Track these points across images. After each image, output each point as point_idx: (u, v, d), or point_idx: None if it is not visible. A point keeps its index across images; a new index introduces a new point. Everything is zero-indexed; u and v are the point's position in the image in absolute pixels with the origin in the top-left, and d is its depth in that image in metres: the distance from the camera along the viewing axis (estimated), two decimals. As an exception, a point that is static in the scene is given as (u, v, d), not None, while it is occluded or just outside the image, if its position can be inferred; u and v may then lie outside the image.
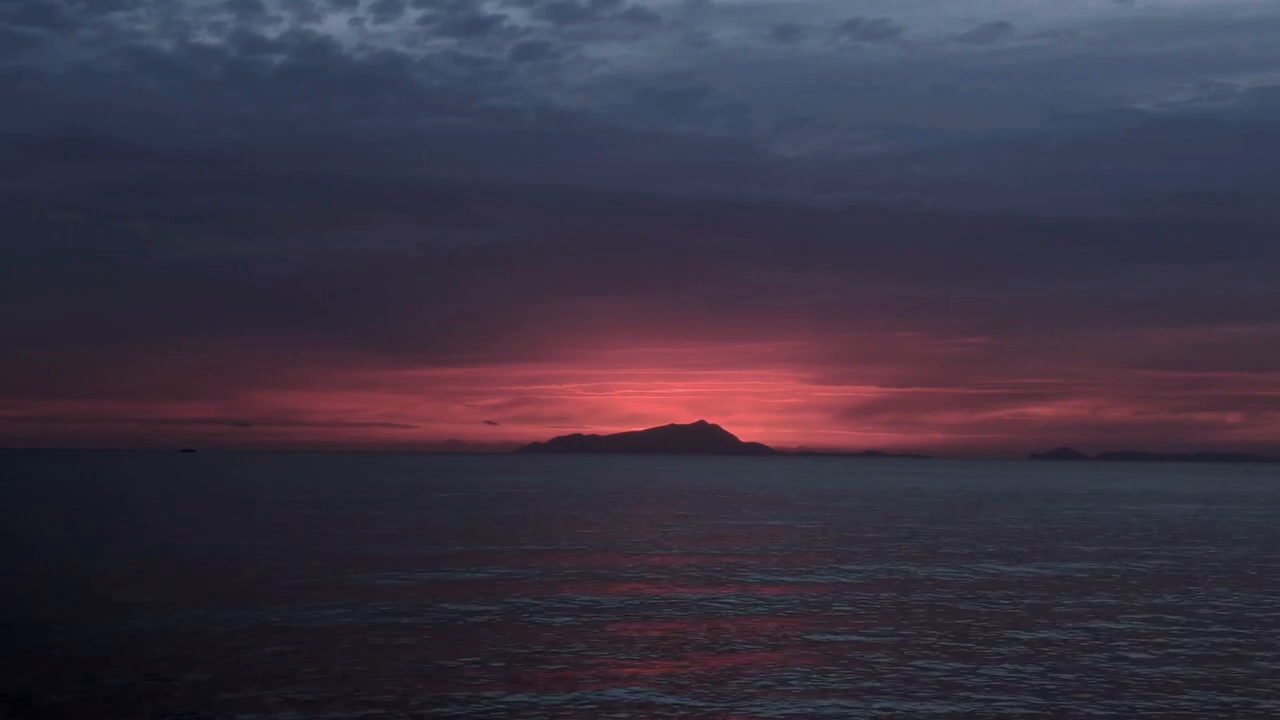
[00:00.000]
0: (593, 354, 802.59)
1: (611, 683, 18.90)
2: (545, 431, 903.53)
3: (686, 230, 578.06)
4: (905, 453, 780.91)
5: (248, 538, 46.64)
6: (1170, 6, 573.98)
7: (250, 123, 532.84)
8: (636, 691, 18.28)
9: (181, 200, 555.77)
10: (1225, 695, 18.75)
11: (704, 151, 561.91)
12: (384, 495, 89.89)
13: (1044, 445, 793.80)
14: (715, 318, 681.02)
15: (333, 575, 33.05)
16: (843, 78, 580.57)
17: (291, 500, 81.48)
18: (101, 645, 21.70)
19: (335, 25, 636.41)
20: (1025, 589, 32.13)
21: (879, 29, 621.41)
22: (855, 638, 23.40)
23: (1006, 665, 20.82)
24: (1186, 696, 18.61)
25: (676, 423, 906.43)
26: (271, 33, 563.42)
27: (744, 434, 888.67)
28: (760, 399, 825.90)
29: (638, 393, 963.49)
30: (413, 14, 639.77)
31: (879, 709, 17.41)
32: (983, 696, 18.32)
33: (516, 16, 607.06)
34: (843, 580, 33.49)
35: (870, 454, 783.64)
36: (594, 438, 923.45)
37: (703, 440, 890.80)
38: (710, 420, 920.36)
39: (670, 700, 17.77)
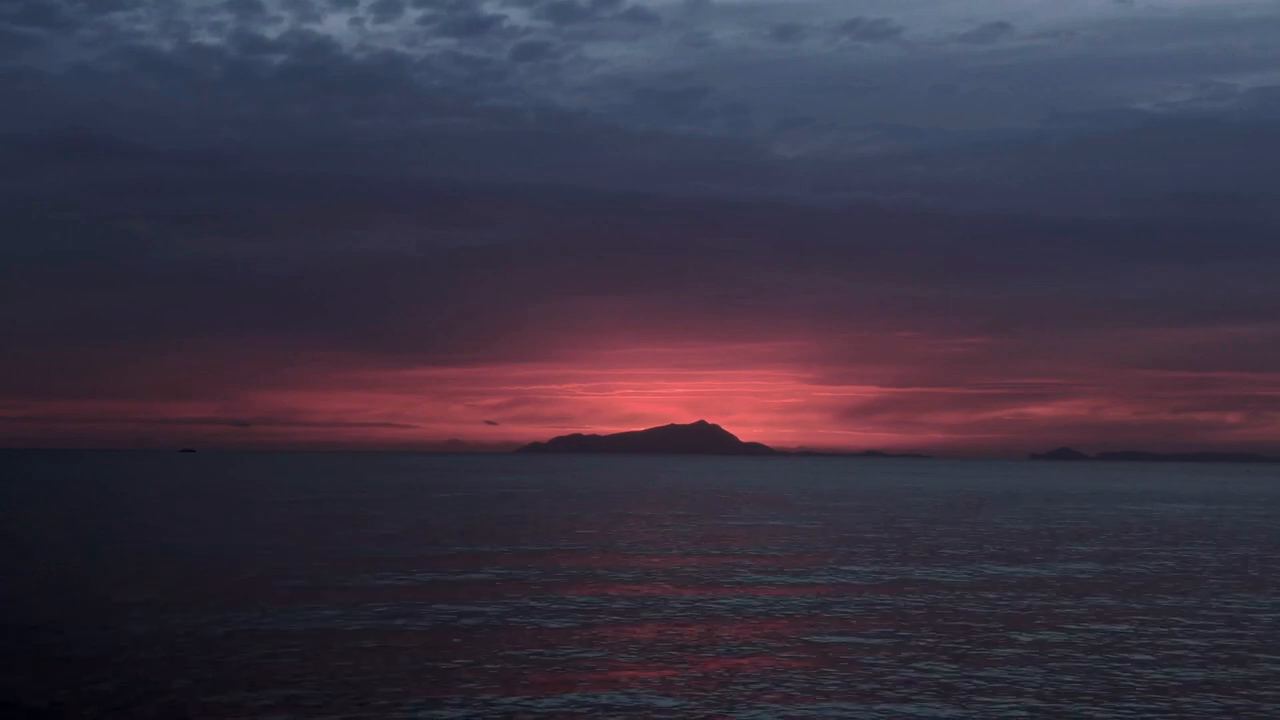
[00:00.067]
0: (593, 354, 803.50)
1: (610, 685, 18.88)
2: (545, 431, 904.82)
3: (686, 230, 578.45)
4: (905, 453, 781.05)
5: (248, 538, 46.63)
6: (1170, 6, 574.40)
7: (250, 123, 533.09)
8: (635, 694, 18.26)
9: (181, 200, 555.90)
10: (1227, 697, 18.73)
11: (704, 151, 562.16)
12: (384, 495, 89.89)
13: (1044, 445, 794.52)
14: (715, 318, 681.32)
15: (332, 576, 33.03)
16: (843, 78, 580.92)
17: (291, 500, 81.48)
18: (101, 645, 21.69)
19: (335, 25, 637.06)
20: (1025, 590, 32.11)
21: (879, 29, 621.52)
22: (855, 639, 23.37)
23: (1007, 667, 20.79)
24: (1188, 698, 18.58)
25: (676, 423, 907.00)
26: (271, 33, 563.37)
27: (744, 434, 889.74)
28: (760, 399, 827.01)
29: (638, 393, 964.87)
30: (413, 14, 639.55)
31: (879, 711, 17.38)
32: (983, 699, 18.29)
33: (516, 16, 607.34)
34: (842, 581, 33.47)
35: (870, 454, 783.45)
36: (594, 438, 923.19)
37: (703, 440, 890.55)
38: (710, 420, 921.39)
39: (669, 703, 17.74)
